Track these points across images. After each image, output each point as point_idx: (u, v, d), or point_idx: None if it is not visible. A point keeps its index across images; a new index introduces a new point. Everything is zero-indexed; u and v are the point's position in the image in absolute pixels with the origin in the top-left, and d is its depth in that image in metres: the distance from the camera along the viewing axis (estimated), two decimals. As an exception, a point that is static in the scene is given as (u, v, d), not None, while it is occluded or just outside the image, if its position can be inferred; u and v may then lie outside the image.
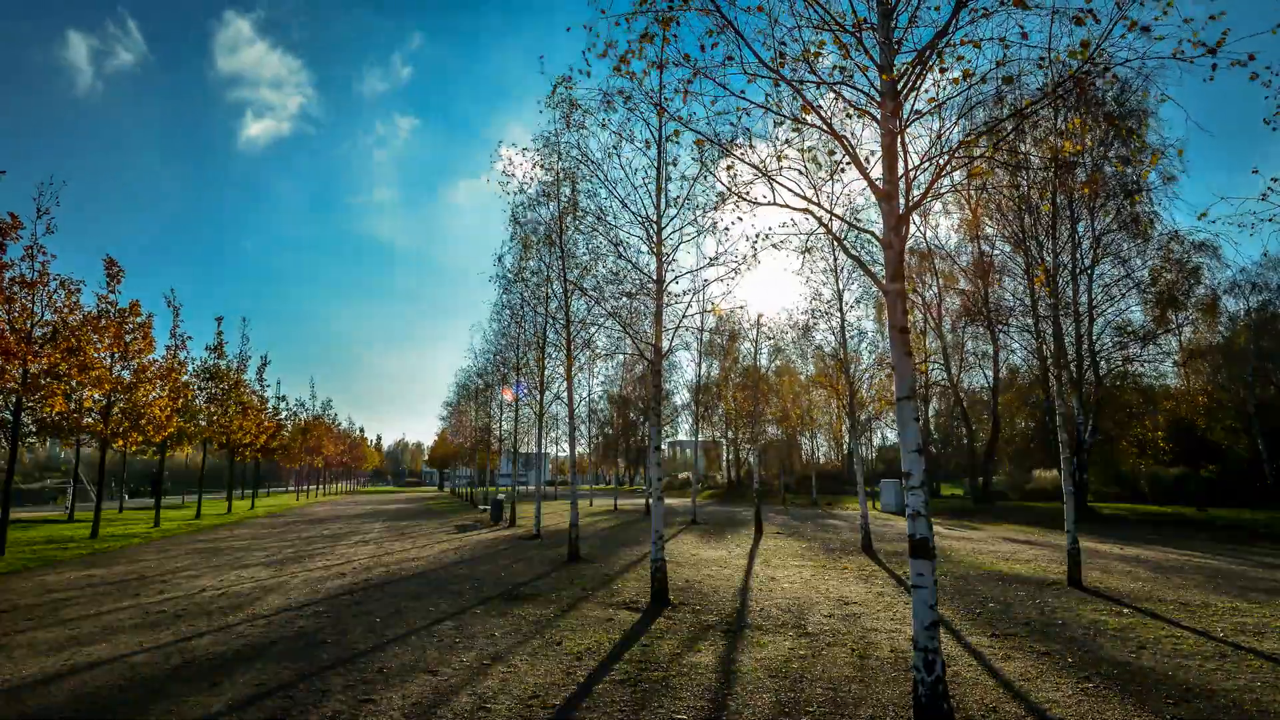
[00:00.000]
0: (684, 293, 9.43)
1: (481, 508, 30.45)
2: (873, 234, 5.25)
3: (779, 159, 5.49)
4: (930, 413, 35.80)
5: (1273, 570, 11.06)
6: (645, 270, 9.42)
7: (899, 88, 4.67)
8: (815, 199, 5.40)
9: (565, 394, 14.64)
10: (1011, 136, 5.36)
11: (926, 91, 4.85)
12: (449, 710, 4.65)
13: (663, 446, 9.61)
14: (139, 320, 17.01)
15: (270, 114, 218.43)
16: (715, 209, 8.46)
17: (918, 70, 4.59)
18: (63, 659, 5.96)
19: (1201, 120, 6.02)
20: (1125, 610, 7.82)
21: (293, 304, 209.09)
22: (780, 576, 10.30)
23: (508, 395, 22.01)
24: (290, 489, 65.88)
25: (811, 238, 7.85)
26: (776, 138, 5.51)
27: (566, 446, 43.59)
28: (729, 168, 6.27)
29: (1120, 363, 22.64)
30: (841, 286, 14.26)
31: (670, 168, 8.90)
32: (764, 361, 22.51)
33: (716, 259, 8.92)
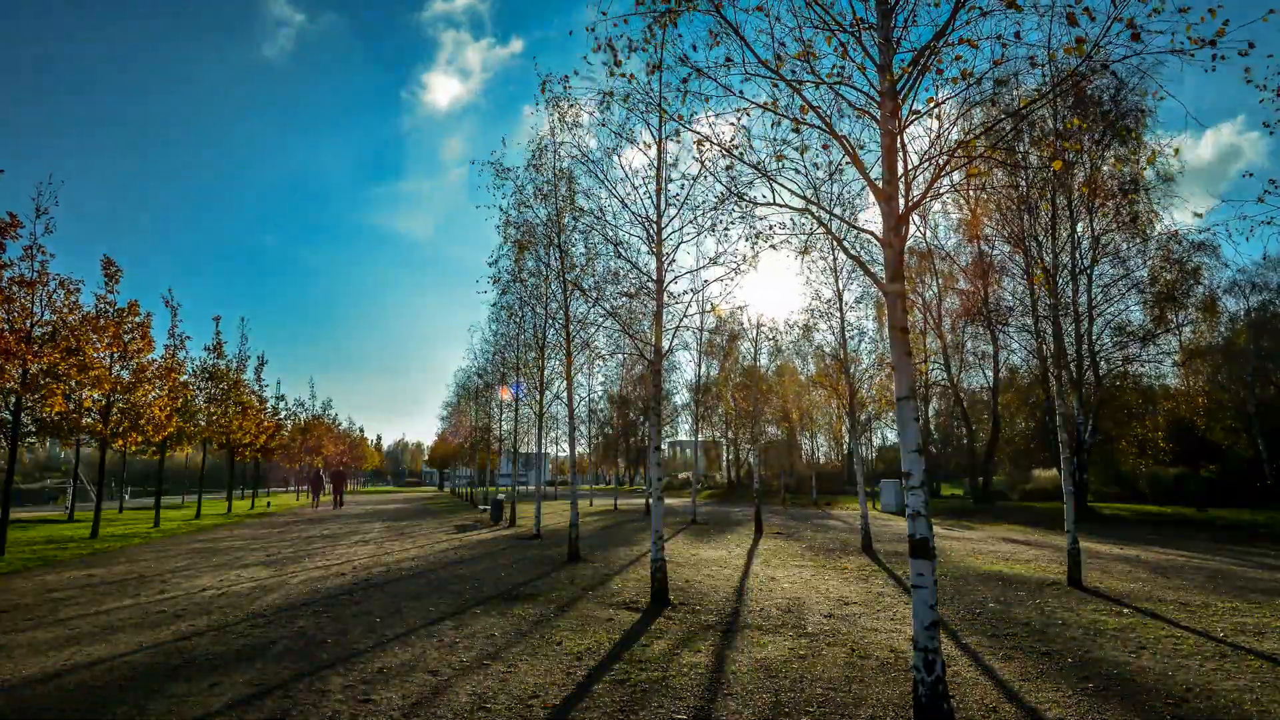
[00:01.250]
0: (684, 293, 9.43)
1: (481, 508, 30.44)
2: (872, 234, 5.25)
3: (778, 159, 5.49)
4: (930, 413, 35.78)
5: (1273, 570, 11.06)
6: (645, 270, 9.42)
7: (898, 88, 4.67)
8: (815, 199, 5.41)
9: (565, 394, 14.64)
10: (1010, 136, 5.37)
11: (925, 91, 4.86)
12: (448, 710, 4.65)
13: (663, 446, 9.61)
14: (137, 320, 17.01)
15: (462, 75, 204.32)
16: (715, 209, 8.45)
17: (916, 70, 4.59)
18: (62, 658, 5.96)
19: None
20: (1125, 610, 7.82)
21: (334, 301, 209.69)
22: (780, 576, 10.30)
23: (505, 395, 22.00)
24: (290, 489, 65.85)
25: (811, 238, 7.85)
26: (776, 138, 5.51)
27: (566, 446, 43.61)
28: (729, 168, 6.28)
29: (1120, 363, 22.62)
30: (841, 287, 14.25)
31: (670, 168, 8.89)
32: (764, 361, 22.50)
33: (716, 259, 8.91)
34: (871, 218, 11.74)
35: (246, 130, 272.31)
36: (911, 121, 4.78)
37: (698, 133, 6.01)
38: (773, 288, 63.11)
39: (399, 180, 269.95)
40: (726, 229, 8.35)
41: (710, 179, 8.18)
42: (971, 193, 19.80)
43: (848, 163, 5.15)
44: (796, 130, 5.38)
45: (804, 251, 7.49)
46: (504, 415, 26.12)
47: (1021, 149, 13.27)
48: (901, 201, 4.76)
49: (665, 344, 9.15)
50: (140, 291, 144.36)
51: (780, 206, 5.63)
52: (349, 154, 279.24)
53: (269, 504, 36.29)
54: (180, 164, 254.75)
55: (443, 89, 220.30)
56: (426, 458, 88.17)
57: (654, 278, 8.94)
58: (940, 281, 29.28)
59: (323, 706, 4.69)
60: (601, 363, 28.44)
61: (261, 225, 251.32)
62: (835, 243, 10.07)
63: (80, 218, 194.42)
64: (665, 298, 8.90)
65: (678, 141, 8.67)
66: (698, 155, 6.92)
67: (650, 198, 8.90)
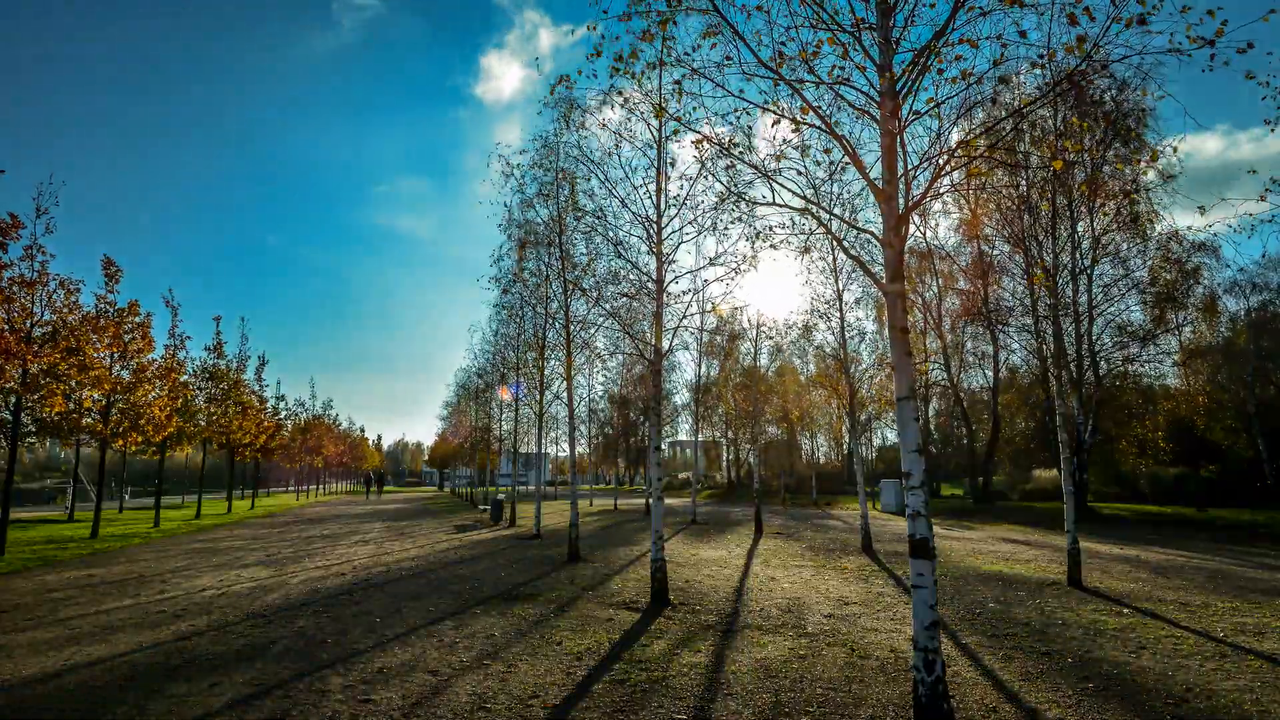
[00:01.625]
0: (684, 293, 9.43)
1: (481, 508, 30.44)
2: (872, 234, 5.25)
3: (778, 159, 5.49)
4: (930, 413, 35.78)
5: (1273, 570, 11.06)
6: (645, 270, 9.42)
7: (898, 88, 4.67)
8: (815, 199, 5.41)
9: (565, 394, 14.64)
10: (1010, 136, 5.37)
11: (925, 91, 4.86)
12: (448, 710, 4.65)
13: (663, 446, 9.61)
14: (137, 320, 17.02)
15: (533, 64, 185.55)
16: (715, 209, 8.45)
17: (916, 70, 4.59)
18: (62, 658, 5.96)
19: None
20: (1125, 610, 7.82)
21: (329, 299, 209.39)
22: (780, 576, 10.30)
23: (505, 395, 22.00)
24: (290, 489, 65.85)
25: (811, 238, 7.86)
26: (776, 138, 5.51)
27: (566, 446, 43.59)
28: (728, 168, 6.28)
29: (1120, 363, 22.61)
30: (841, 287, 14.25)
31: (670, 167, 8.89)
32: (764, 361, 22.49)
33: (716, 259, 8.91)
34: (871, 218, 11.73)
35: (257, 127, 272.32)
36: (911, 121, 4.78)
37: (698, 132, 6.01)
38: (773, 288, 63.11)
39: (416, 178, 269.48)
40: (726, 229, 8.36)
41: (710, 179, 8.19)
42: (971, 193, 19.79)
43: (848, 163, 5.16)
44: (796, 130, 5.38)
45: (804, 251, 7.50)
46: (504, 415, 26.13)
47: (1021, 149, 13.27)
48: (901, 201, 4.76)
49: (665, 344, 9.15)
50: (140, 291, 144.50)
51: (780, 206, 5.63)
52: (374, 151, 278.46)
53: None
54: (182, 163, 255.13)
55: (509, 77, 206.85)
56: (426, 458, 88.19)
57: (654, 278, 8.94)
58: (940, 281, 29.27)
59: (323, 706, 4.69)
60: (601, 363, 28.41)
61: (264, 224, 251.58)
62: (835, 243, 10.07)
63: (80, 218, 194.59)
64: (665, 298, 8.90)
65: (678, 141, 8.67)
66: (698, 155, 6.93)
67: (650, 198, 8.91)
